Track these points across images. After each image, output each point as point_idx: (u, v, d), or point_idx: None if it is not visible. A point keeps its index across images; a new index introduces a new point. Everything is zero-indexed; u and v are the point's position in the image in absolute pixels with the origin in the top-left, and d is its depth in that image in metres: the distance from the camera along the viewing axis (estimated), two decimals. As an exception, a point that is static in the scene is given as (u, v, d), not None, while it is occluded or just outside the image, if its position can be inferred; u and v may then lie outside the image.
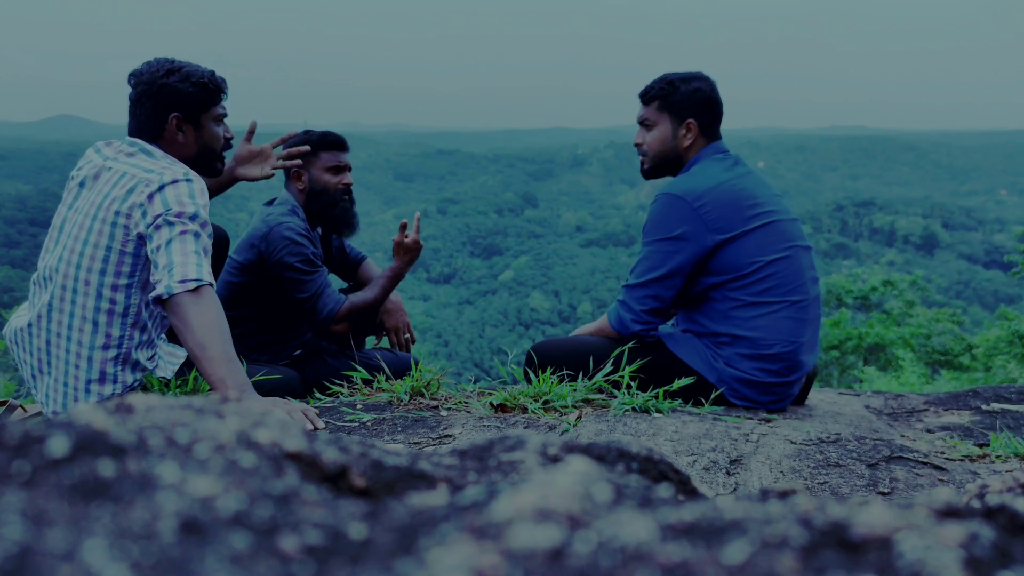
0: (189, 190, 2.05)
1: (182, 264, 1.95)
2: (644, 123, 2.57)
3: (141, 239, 2.07)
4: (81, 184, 2.17)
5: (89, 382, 2.13)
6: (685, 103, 2.50)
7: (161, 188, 2.04)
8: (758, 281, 2.35)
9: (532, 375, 2.26)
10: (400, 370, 2.66)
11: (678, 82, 2.51)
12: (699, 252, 2.35)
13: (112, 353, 2.13)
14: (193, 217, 2.02)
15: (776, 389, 2.38)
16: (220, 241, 2.64)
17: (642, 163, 2.60)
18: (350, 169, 2.91)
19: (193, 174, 2.11)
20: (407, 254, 2.86)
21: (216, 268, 2.62)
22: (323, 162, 2.83)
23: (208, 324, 1.92)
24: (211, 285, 1.97)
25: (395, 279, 2.88)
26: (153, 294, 1.95)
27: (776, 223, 2.40)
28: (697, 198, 2.35)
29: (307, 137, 2.85)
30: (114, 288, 2.10)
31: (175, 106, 2.20)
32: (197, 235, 2.01)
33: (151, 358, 2.26)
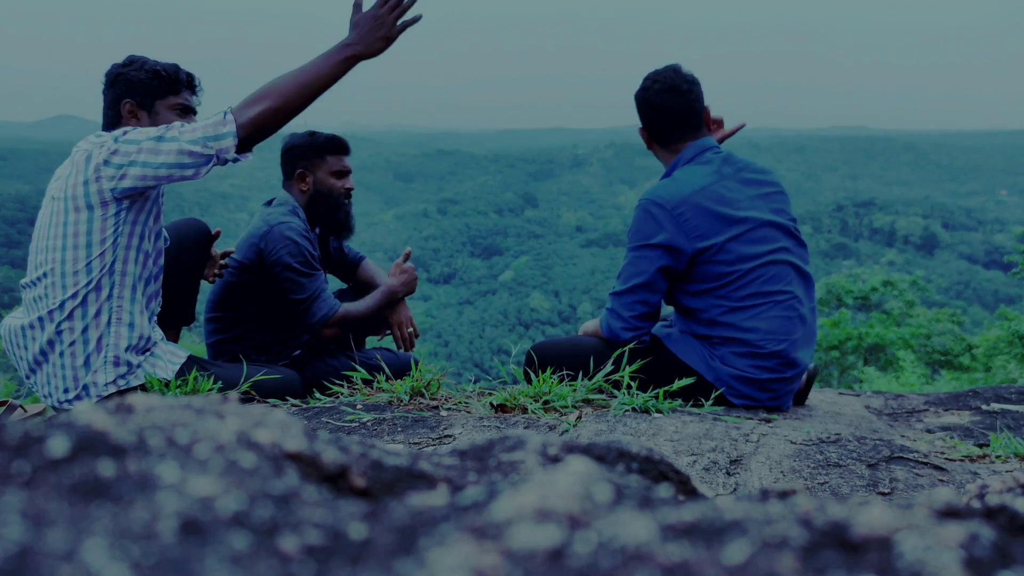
0: (138, 130, 2.13)
1: (200, 123, 2.10)
2: None
3: (115, 195, 2.13)
4: (54, 197, 2.25)
5: (88, 356, 2.18)
6: (638, 111, 2.54)
7: (115, 139, 2.11)
8: (742, 286, 2.35)
9: (532, 375, 2.26)
10: (400, 370, 2.66)
11: (639, 89, 2.53)
12: (680, 257, 2.35)
13: (105, 317, 2.19)
14: (163, 133, 2.10)
15: (773, 386, 2.38)
16: (203, 236, 2.67)
17: None
18: (351, 173, 2.95)
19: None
20: (403, 274, 2.93)
21: (199, 262, 2.66)
22: (329, 166, 2.86)
23: (266, 85, 2.11)
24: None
25: (389, 296, 2.91)
26: (220, 150, 2.08)
27: (758, 228, 2.38)
28: (676, 205, 2.35)
29: (312, 139, 2.87)
30: (101, 257, 2.16)
31: (128, 93, 2.29)
32: (182, 124, 2.12)
33: (150, 319, 2.32)
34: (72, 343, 2.16)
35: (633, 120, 2.60)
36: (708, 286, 2.37)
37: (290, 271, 2.71)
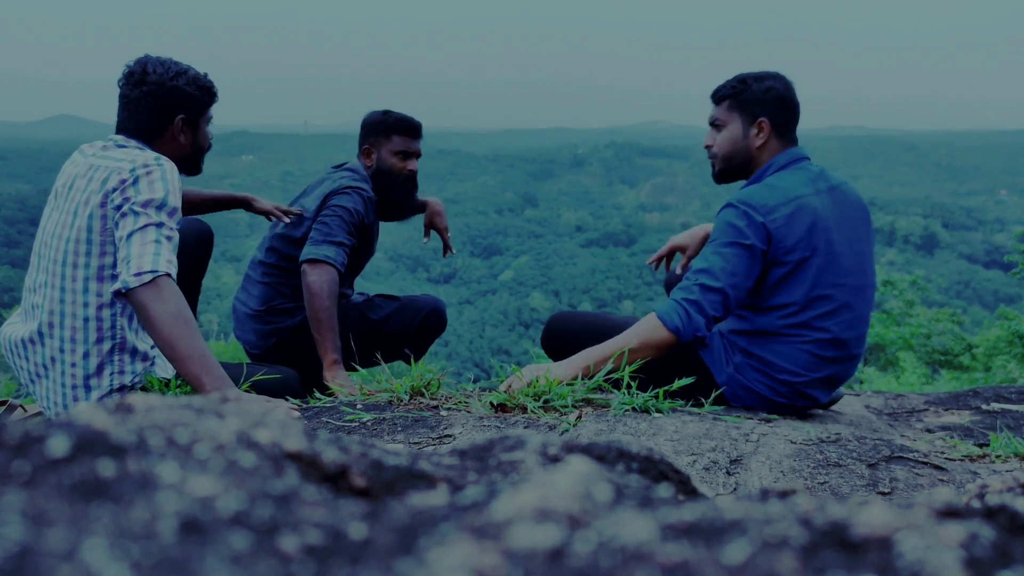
0: (161, 173, 2.08)
1: (138, 256, 1.96)
2: (714, 124, 2.47)
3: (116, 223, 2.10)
4: (55, 195, 2.21)
5: (88, 377, 2.15)
6: (757, 101, 2.39)
7: (133, 172, 2.06)
8: (793, 314, 2.28)
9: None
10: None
11: (751, 80, 2.41)
12: (763, 265, 2.27)
13: (107, 345, 2.15)
14: (161, 206, 2.03)
15: (779, 407, 2.35)
16: (204, 237, 2.67)
17: (712, 166, 2.49)
18: (419, 156, 3.02)
19: (164, 158, 2.14)
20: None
21: (200, 264, 2.65)
22: (394, 145, 2.96)
23: (171, 319, 1.90)
24: (168, 276, 1.95)
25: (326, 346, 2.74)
26: (113, 288, 1.97)
27: (836, 256, 2.27)
28: (768, 212, 2.24)
29: (384, 118, 2.98)
30: (99, 280, 2.12)
31: (182, 108, 2.24)
32: (160, 225, 2.02)
33: (153, 347, 2.28)
34: (74, 364, 2.13)
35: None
36: (768, 303, 2.29)
37: (337, 209, 2.79)
